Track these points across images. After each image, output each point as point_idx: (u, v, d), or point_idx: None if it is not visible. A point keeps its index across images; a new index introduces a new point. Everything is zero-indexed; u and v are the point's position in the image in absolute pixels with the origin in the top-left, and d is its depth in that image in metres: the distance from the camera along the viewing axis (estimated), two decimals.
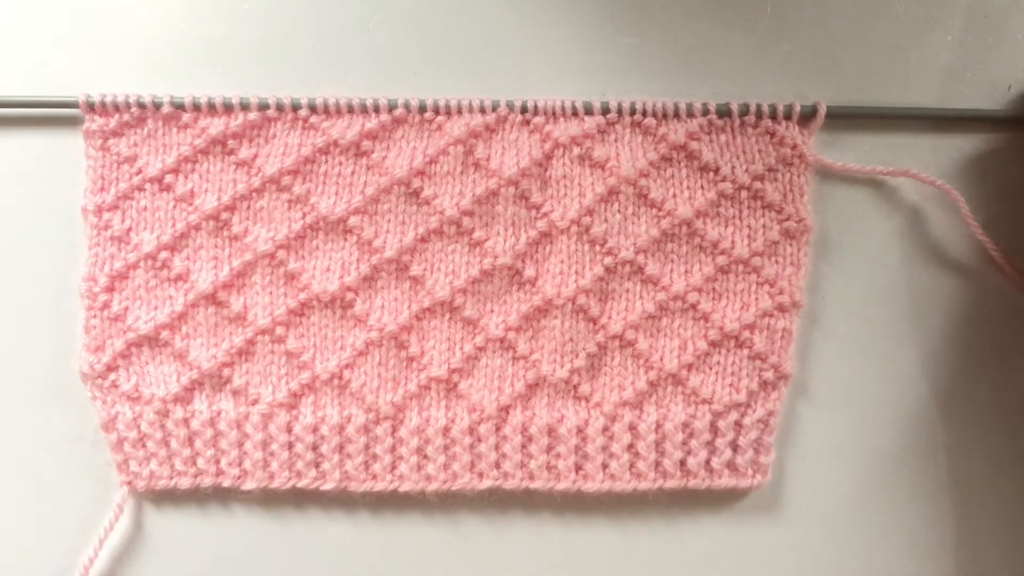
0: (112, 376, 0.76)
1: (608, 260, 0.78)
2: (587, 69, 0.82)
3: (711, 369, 0.78)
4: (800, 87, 0.81)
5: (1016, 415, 0.81)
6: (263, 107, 0.78)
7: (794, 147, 0.79)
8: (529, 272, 0.78)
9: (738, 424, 0.78)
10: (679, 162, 0.79)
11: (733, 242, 0.79)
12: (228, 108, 0.78)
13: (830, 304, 0.81)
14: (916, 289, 0.82)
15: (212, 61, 0.80)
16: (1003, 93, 0.82)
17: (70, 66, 0.80)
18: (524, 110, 0.79)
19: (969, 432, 0.81)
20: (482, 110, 0.79)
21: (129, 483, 0.76)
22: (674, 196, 0.79)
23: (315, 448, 0.76)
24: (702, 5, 0.82)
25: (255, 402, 0.76)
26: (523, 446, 0.77)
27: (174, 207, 0.77)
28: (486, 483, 0.77)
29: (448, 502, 0.78)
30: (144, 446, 0.76)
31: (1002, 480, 0.81)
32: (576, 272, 0.78)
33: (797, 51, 0.82)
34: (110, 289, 0.76)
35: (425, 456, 0.77)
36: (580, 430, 0.78)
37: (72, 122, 0.78)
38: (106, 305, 0.76)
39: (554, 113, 0.79)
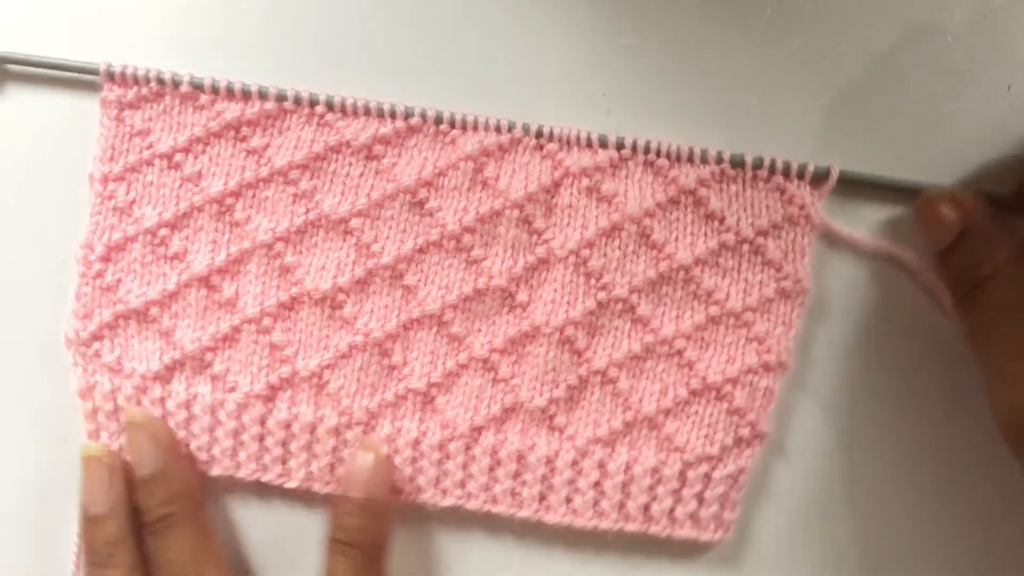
0: (96, 345, 0.77)
1: (602, 295, 0.78)
2: (587, 69, 0.81)
3: (688, 418, 0.78)
4: (799, 87, 0.81)
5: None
6: (281, 98, 0.78)
7: (802, 207, 0.78)
8: (522, 296, 0.78)
9: (707, 477, 0.78)
10: (686, 207, 0.79)
11: (728, 294, 0.79)
12: (246, 95, 0.78)
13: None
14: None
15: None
16: (1003, 94, 0.82)
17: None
18: (539, 135, 0.79)
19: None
20: (497, 129, 0.78)
21: None
22: (676, 240, 0.79)
23: (284, 444, 0.77)
24: (702, 5, 0.82)
25: (232, 389, 0.77)
26: (490, 469, 0.78)
27: (180, 186, 0.78)
28: (448, 501, 0.77)
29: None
30: (118, 419, 0.76)
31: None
32: (568, 303, 0.78)
33: (796, 52, 0.81)
34: (106, 259, 0.77)
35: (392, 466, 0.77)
36: (549, 460, 0.78)
37: (96, 88, 0.78)
38: (100, 274, 0.77)
39: (568, 142, 0.79)
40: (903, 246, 0.80)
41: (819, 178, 0.79)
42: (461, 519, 0.79)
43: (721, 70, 0.81)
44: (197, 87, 0.78)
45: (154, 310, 0.77)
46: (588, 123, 0.80)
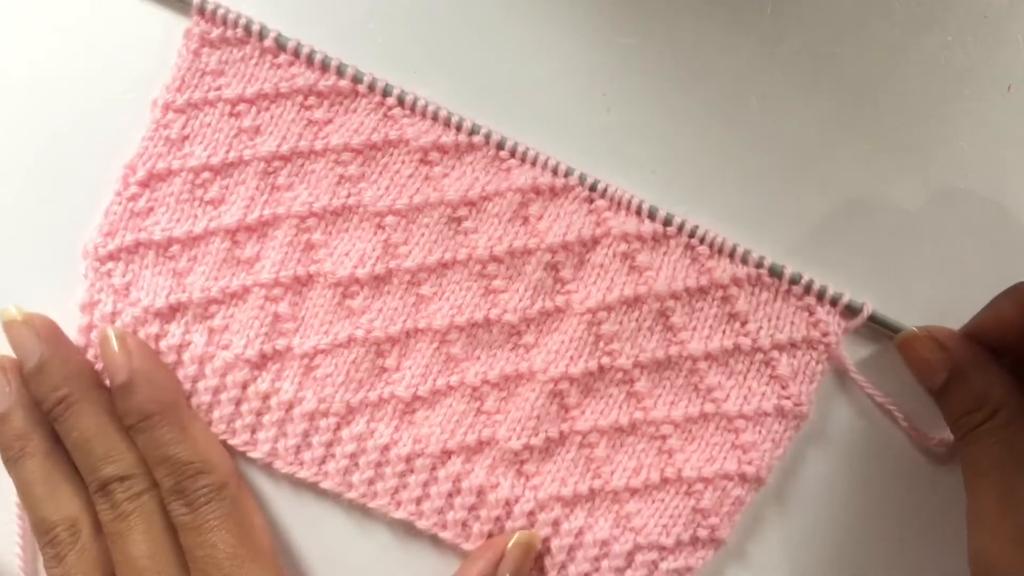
0: (110, 264, 0.77)
1: (605, 360, 0.78)
2: (587, 69, 0.82)
3: (652, 503, 0.78)
4: (799, 87, 0.81)
5: None
6: (357, 79, 0.78)
7: (825, 334, 0.78)
8: (528, 338, 0.78)
9: (654, 564, 0.77)
10: (713, 300, 0.79)
11: (728, 395, 0.78)
12: (324, 67, 0.78)
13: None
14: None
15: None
16: (1003, 94, 0.82)
17: None
18: (592, 188, 0.78)
19: None
20: (554, 171, 0.79)
21: None
22: (694, 329, 0.79)
23: (258, 414, 0.77)
24: (702, 5, 0.82)
25: (225, 347, 0.77)
26: (449, 495, 0.78)
27: (235, 135, 0.78)
28: (400, 514, 0.77)
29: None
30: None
31: None
32: (571, 357, 0.78)
33: (797, 50, 0.82)
34: (144, 184, 0.78)
35: (355, 464, 0.78)
36: (508, 504, 0.78)
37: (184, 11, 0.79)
38: (134, 198, 0.77)
39: (619, 203, 0.78)
40: (898, 404, 0.79)
41: (853, 311, 0.78)
42: (412, 529, 0.79)
43: (721, 70, 0.82)
44: (281, 46, 0.78)
45: (175, 248, 0.78)
46: (587, 122, 0.81)
